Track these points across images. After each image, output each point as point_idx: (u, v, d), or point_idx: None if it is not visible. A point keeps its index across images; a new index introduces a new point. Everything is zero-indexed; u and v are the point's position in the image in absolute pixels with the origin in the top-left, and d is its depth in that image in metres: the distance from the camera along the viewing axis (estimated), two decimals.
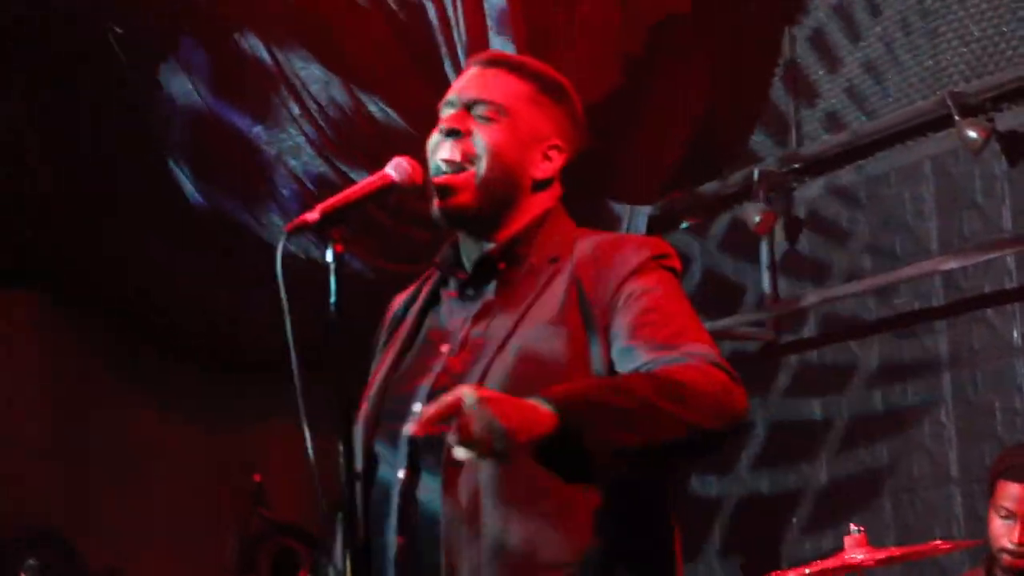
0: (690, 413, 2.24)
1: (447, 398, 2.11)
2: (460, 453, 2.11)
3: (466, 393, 2.10)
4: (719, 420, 2.28)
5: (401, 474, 2.43)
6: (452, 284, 2.63)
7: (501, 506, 2.35)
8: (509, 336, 2.44)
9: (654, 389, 2.23)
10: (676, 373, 2.29)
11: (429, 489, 2.40)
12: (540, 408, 2.13)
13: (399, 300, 2.73)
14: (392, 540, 2.42)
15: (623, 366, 2.40)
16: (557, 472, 2.18)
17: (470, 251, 2.61)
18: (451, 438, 2.10)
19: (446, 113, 2.60)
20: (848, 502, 5.86)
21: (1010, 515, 4.26)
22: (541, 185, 2.60)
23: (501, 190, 2.56)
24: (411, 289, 2.73)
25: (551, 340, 2.42)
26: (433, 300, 2.65)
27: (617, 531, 2.39)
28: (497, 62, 2.65)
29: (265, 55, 5.98)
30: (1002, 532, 4.28)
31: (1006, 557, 4.26)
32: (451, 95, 2.61)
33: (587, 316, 2.44)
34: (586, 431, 2.15)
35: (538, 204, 2.60)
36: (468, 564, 2.34)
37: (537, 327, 2.44)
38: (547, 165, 2.60)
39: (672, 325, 2.40)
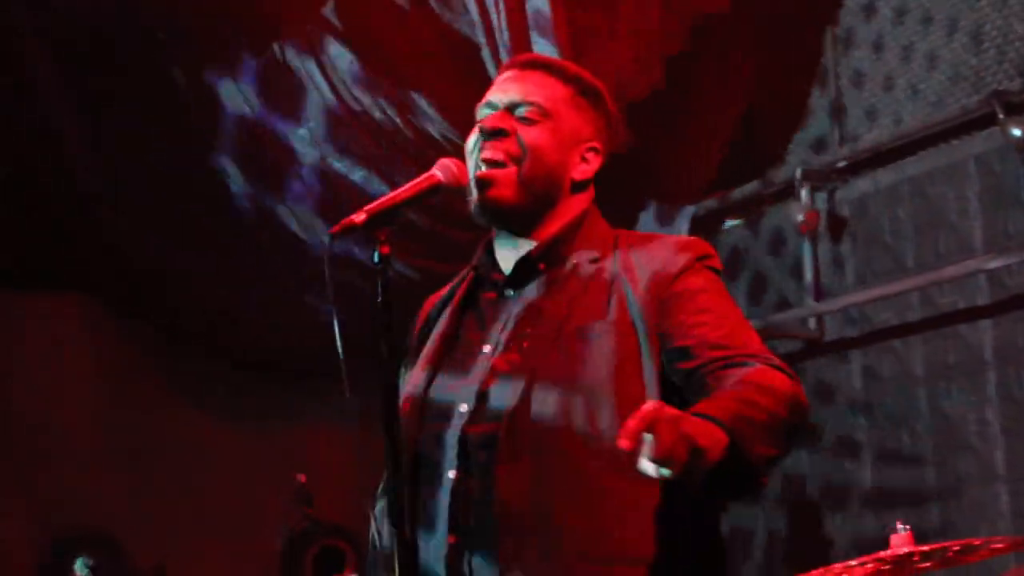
0: (794, 418, 2.33)
1: (645, 410, 2.08)
2: (648, 468, 2.10)
3: (661, 409, 2.09)
4: (803, 422, 2.38)
5: (452, 474, 2.44)
6: (489, 285, 2.63)
7: (557, 504, 2.38)
8: (557, 337, 2.46)
9: (768, 401, 2.29)
10: (768, 379, 2.33)
11: (481, 488, 2.42)
12: (716, 427, 2.16)
13: (433, 301, 2.74)
14: (443, 540, 2.44)
15: (678, 364, 2.43)
16: (716, 488, 2.23)
17: (506, 251, 2.62)
18: (645, 451, 2.09)
19: (485, 114, 2.62)
20: (893, 501, 5.84)
21: None
22: (579, 186, 2.63)
23: (542, 188, 2.58)
24: (445, 290, 2.73)
25: (600, 341, 2.44)
26: (468, 301, 2.65)
27: (671, 533, 2.42)
28: (536, 64, 2.68)
29: (310, 58, 6.02)
30: None
31: None
32: (491, 97, 2.63)
33: (635, 316, 2.46)
34: (749, 448, 2.20)
35: (575, 205, 2.63)
36: (524, 562, 2.36)
37: (585, 327, 2.46)
38: (585, 167, 2.63)
39: (725, 325, 2.44)
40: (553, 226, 2.60)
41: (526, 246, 2.60)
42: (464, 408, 2.48)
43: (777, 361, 2.41)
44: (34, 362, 7.33)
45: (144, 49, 6.34)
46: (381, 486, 2.68)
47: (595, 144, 2.64)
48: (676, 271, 2.50)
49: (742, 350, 2.40)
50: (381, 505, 2.64)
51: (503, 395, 2.45)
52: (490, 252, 2.65)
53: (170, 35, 6.31)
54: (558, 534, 2.37)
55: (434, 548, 2.45)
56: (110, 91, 6.59)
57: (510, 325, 2.54)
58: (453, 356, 2.59)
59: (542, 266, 2.58)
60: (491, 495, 2.40)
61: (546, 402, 2.41)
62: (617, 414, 2.40)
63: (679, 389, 2.45)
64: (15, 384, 7.27)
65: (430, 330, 2.68)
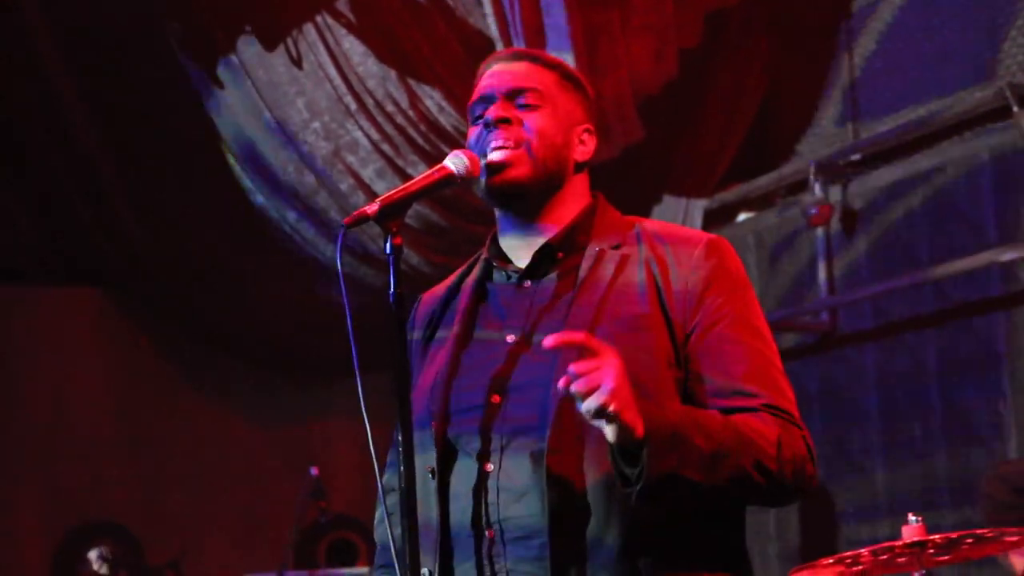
0: (760, 476, 2.37)
1: (594, 341, 2.24)
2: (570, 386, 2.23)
3: (609, 352, 2.23)
4: (791, 485, 2.42)
5: (489, 467, 2.42)
6: (503, 275, 2.62)
7: (606, 498, 2.36)
8: (592, 325, 2.43)
9: (736, 442, 2.34)
10: (763, 433, 2.38)
11: (517, 478, 2.40)
12: (638, 416, 2.24)
13: (431, 297, 2.72)
14: (473, 532, 2.42)
15: (699, 387, 2.45)
16: (619, 476, 2.30)
17: (515, 240, 2.60)
18: (571, 370, 2.22)
19: (483, 108, 2.61)
20: (906, 494, 5.84)
21: None
22: (581, 167, 2.63)
23: (553, 168, 2.57)
24: (447, 283, 2.71)
25: (638, 332, 2.43)
26: (479, 292, 2.63)
27: (711, 539, 2.45)
28: (519, 56, 2.69)
29: (323, 51, 6.03)
30: None
31: None
32: (487, 91, 2.61)
33: (665, 309, 2.46)
34: (657, 458, 2.25)
35: (580, 187, 2.63)
36: (573, 552, 2.35)
37: (622, 319, 2.44)
38: (584, 148, 2.64)
39: (754, 363, 2.47)
40: (562, 210, 2.59)
41: (536, 233, 2.58)
42: (496, 400, 2.45)
43: (795, 418, 2.45)
44: (50, 355, 7.37)
45: (156, 42, 6.36)
46: (386, 477, 2.64)
47: (588, 125, 2.65)
48: (708, 277, 2.50)
49: (763, 399, 2.43)
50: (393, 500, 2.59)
51: (542, 386, 2.42)
52: (496, 243, 2.65)
53: (182, 27, 6.33)
54: (605, 531, 2.36)
55: (469, 540, 2.43)
56: (124, 87, 6.61)
57: (535, 315, 2.51)
58: (473, 347, 2.55)
59: (560, 255, 2.57)
60: (530, 486, 2.37)
61: None
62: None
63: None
64: (31, 377, 7.31)
65: (437, 324, 2.65)
